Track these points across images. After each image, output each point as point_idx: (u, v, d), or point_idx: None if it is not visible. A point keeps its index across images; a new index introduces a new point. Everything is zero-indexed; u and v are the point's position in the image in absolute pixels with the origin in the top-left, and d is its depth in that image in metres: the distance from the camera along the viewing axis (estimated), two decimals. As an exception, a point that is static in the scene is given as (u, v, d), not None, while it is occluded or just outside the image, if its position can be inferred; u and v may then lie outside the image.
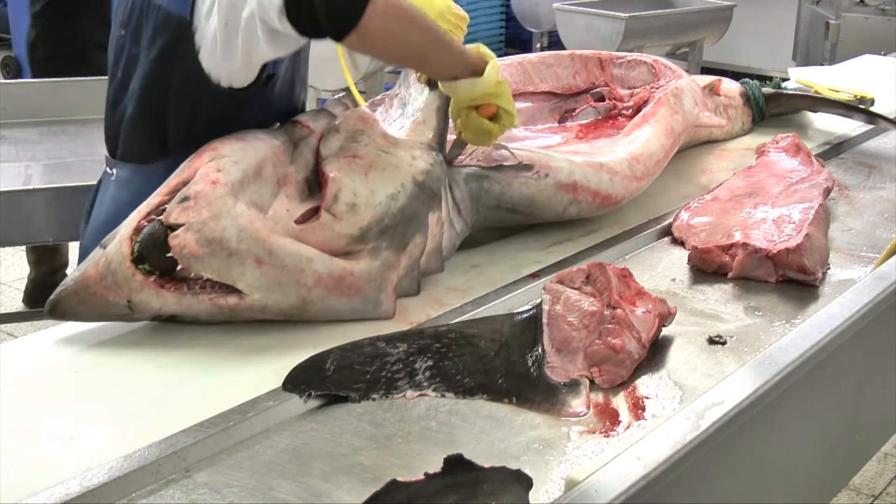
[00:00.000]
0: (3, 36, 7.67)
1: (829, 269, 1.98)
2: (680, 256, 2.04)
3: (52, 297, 1.62)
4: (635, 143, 2.21)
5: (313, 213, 1.70)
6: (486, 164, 1.96)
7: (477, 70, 1.79)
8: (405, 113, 1.97)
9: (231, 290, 1.61)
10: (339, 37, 1.59)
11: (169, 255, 1.58)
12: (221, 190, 1.61)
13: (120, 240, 1.61)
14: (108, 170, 1.90)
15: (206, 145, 1.71)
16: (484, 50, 1.82)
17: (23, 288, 4.19)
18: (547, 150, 2.14)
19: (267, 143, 1.74)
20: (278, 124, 1.86)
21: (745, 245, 1.93)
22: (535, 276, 1.89)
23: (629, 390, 1.54)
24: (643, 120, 2.28)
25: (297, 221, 1.68)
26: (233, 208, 1.61)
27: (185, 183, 1.64)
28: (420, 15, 1.70)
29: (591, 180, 2.05)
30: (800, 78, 3.30)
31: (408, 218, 1.75)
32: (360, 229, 1.69)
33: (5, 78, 7.20)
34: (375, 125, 1.83)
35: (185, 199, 1.60)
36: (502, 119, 1.85)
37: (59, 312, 1.62)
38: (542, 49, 6.64)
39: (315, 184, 1.75)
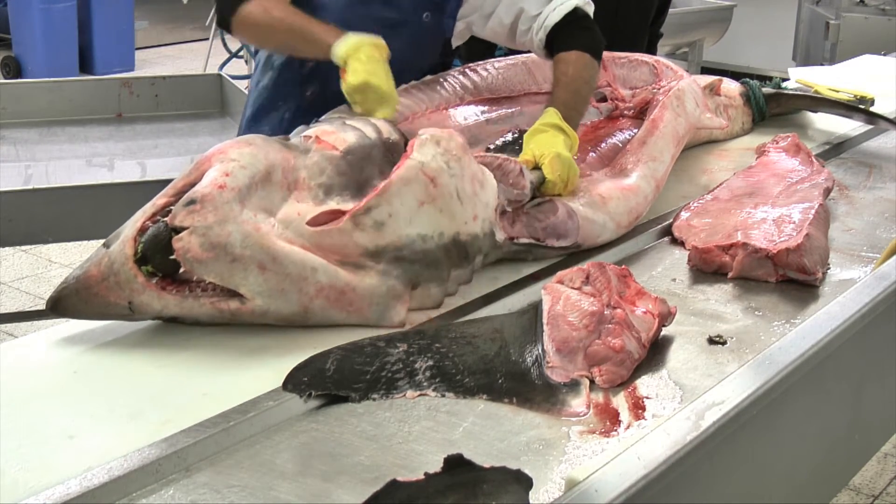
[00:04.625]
0: (3, 36, 7.67)
1: (829, 269, 1.98)
2: (680, 256, 2.04)
3: (53, 294, 1.62)
4: (657, 164, 2.19)
5: (330, 215, 1.69)
6: (545, 236, 1.93)
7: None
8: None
9: (233, 294, 1.61)
10: (229, 32, 2.20)
11: (172, 257, 1.58)
12: (228, 195, 1.60)
13: (124, 240, 1.61)
14: None
15: (214, 147, 1.71)
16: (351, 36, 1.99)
17: (23, 288, 4.19)
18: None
19: (277, 148, 1.74)
20: (296, 132, 1.87)
21: (745, 245, 1.93)
22: (535, 276, 1.89)
23: (629, 390, 1.54)
24: (653, 126, 2.28)
25: (311, 223, 1.67)
26: (239, 214, 1.60)
27: (191, 185, 1.63)
28: (278, 23, 2.08)
29: (614, 231, 2.05)
30: (800, 78, 3.30)
31: (428, 263, 1.71)
32: (377, 247, 1.67)
33: (5, 78, 7.20)
34: (472, 161, 1.80)
35: (192, 202, 1.59)
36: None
37: (60, 310, 1.62)
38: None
39: (335, 188, 1.72)
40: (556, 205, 1.95)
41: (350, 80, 1.94)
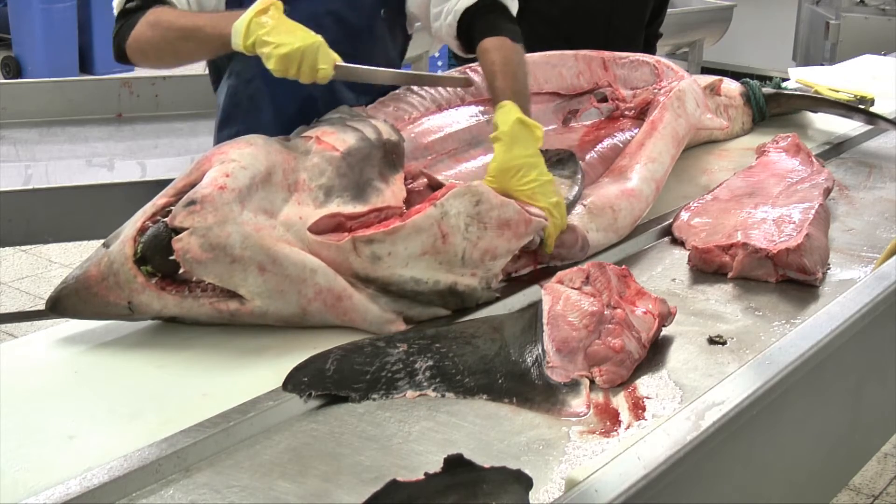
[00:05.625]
0: (3, 36, 7.67)
1: (829, 269, 1.98)
2: (680, 256, 2.04)
3: (52, 293, 1.62)
4: (657, 165, 2.19)
5: (330, 221, 1.68)
6: (549, 260, 1.90)
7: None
8: None
9: (232, 295, 1.61)
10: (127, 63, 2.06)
11: (172, 258, 1.58)
12: (229, 196, 1.60)
13: (124, 240, 1.61)
14: None
15: (215, 147, 1.71)
16: (240, 22, 1.80)
17: (23, 288, 4.19)
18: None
19: (278, 148, 1.74)
20: (296, 133, 1.86)
21: (745, 245, 1.93)
22: (535, 276, 1.89)
23: (629, 390, 1.54)
24: (652, 128, 2.27)
25: (312, 229, 1.67)
26: (239, 215, 1.60)
27: (192, 185, 1.63)
28: (168, 31, 1.94)
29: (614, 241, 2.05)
30: (800, 78, 3.30)
31: (420, 301, 1.70)
32: (367, 276, 1.66)
33: (5, 78, 7.20)
34: (498, 238, 1.73)
35: (192, 202, 1.59)
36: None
37: (60, 310, 1.62)
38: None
39: (335, 190, 1.72)
40: (576, 236, 1.92)
41: (271, 66, 1.78)
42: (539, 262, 1.91)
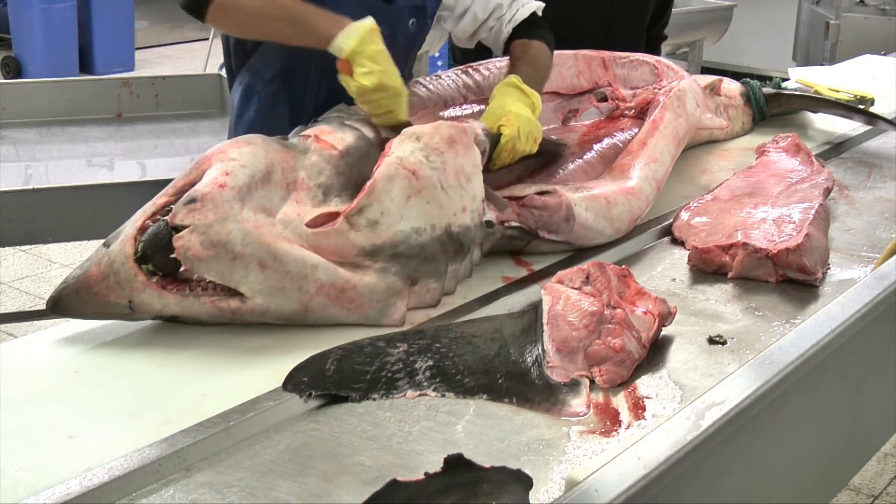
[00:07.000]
0: (3, 36, 7.67)
1: (829, 269, 1.98)
2: (680, 256, 2.04)
3: (53, 293, 1.62)
4: (658, 165, 2.19)
5: (328, 217, 1.69)
6: (536, 227, 1.93)
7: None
8: None
9: (233, 293, 1.61)
10: (200, 19, 1.99)
11: (172, 256, 1.58)
12: (228, 194, 1.61)
13: (124, 239, 1.61)
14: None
15: (215, 147, 1.72)
16: (353, 29, 1.86)
17: (23, 288, 4.19)
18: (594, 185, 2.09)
19: (276, 147, 1.74)
20: (295, 132, 1.86)
21: (745, 245, 1.93)
22: (535, 276, 1.89)
23: (629, 390, 1.54)
24: (653, 127, 2.27)
25: (309, 224, 1.68)
26: (239, 213, 1.61)
27: (192, 184, 1.64)
28: (273, 8, 1.93)
29: (611, 237, 2.05)
30: (800, 78, 3.30)
31: (424, 257, 1.72)
32: (373, 246, 1.67)
33: (5, 78, 7.20)
34: (458, 156, 1.78)
35: (192, 200, 1.59)
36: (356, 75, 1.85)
37: (60, 310, 1.62)
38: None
39: (333, 189, 1.74)
40: (559, 201, 1.94)
41: (364, 82, 1.84)
42: (527, 225, 1.92)
